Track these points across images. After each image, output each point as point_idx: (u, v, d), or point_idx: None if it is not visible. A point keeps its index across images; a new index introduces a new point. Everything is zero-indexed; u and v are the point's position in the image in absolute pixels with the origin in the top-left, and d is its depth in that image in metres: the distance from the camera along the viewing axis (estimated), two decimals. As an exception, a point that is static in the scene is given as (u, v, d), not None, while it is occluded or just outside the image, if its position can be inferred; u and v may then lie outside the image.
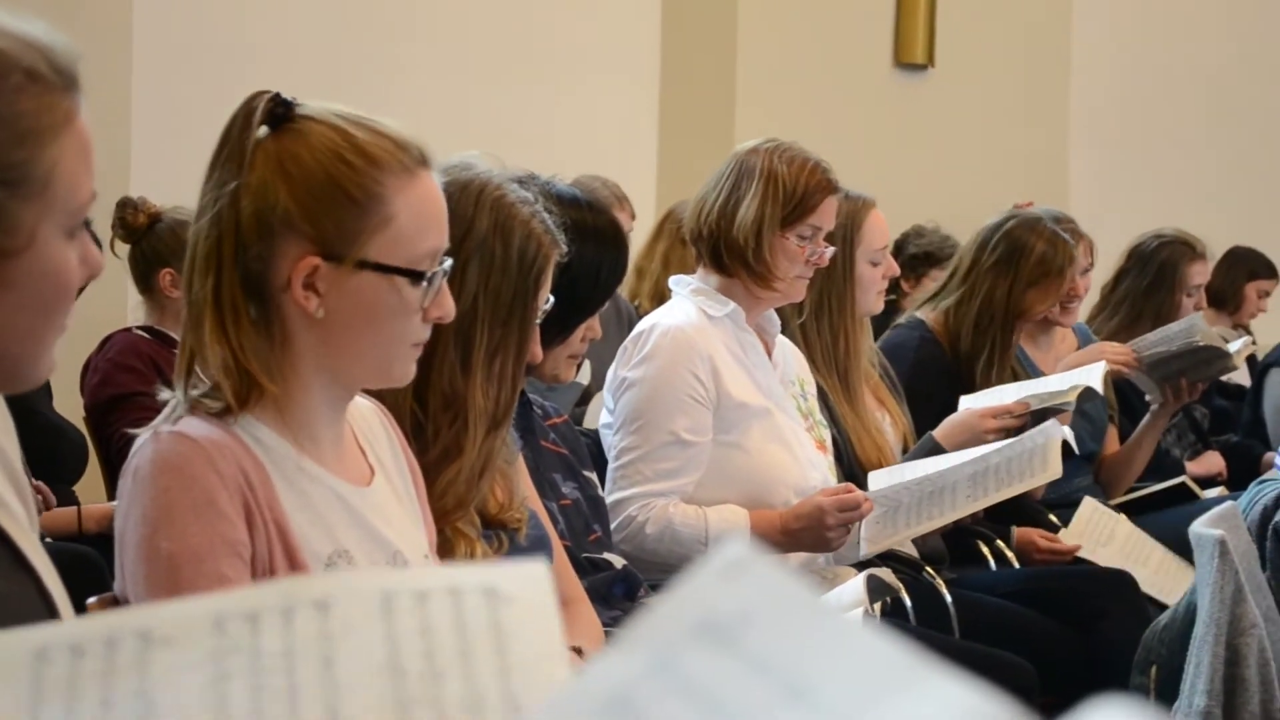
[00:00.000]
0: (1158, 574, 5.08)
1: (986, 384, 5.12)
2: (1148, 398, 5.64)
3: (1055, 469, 4.19)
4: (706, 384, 3.96)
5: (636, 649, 0.76)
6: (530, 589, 1.22)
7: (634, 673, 0.75)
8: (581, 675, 0.77)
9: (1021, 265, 5.19)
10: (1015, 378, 5.27)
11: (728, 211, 4.07)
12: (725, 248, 4.07)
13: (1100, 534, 5.12)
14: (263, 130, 2.29)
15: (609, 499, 3.84)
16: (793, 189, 4.06)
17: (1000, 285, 5.19)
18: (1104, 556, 5.03)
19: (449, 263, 2.36)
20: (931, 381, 5.05)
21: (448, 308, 2.36)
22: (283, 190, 2.26)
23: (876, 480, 4.17)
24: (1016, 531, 5.08)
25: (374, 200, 2.27)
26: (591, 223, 3.35)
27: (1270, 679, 2.80)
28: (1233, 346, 5.60)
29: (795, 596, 0.69)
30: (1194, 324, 5.53)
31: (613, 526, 3.74)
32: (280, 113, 2.30)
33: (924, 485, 4.10)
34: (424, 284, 2.30)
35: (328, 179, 2.27)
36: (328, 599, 1.21)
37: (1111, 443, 5.78)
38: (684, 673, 0.76)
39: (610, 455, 4.02)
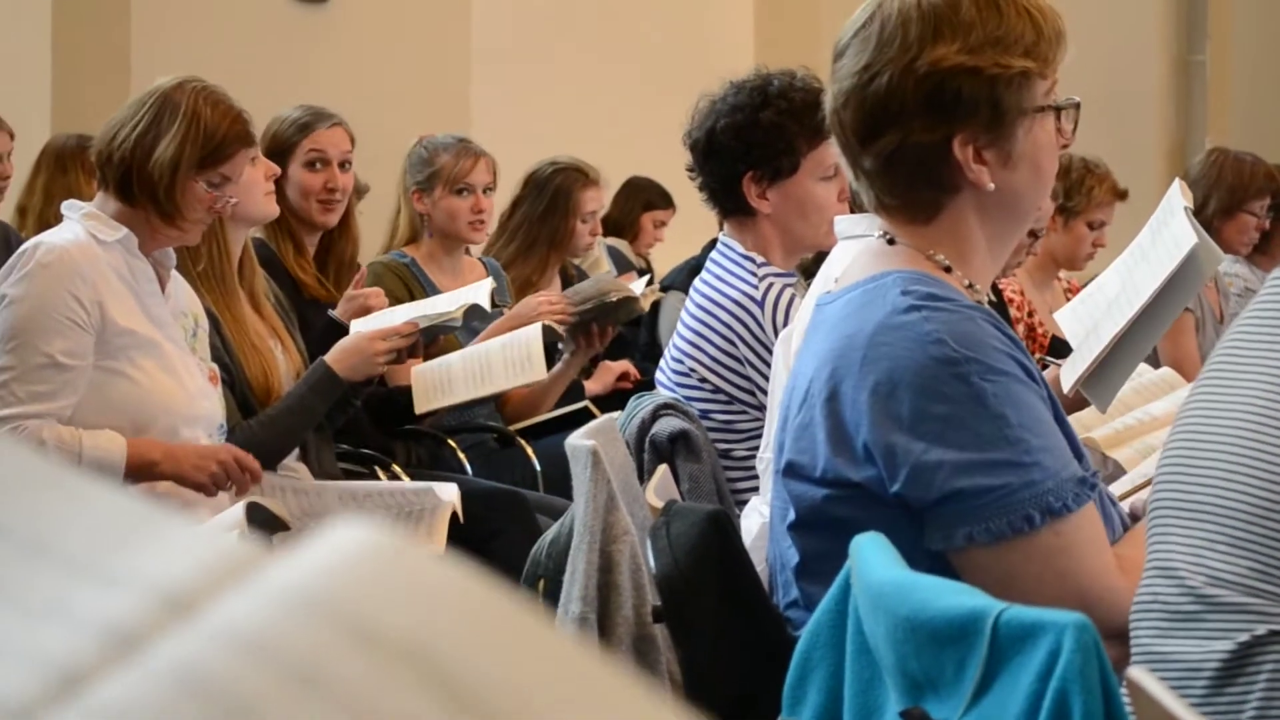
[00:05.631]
0: None
1: (303, 272, 5.29)
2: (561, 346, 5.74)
3: (440, 539, 4.22)
4: (88, 307, 3.87)
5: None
6: None
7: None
8: None
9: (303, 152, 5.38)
10: (342, 272, 5.45)
11: (145, 144, 3.98)
12: (136, 180, 3.97)
13: None
14: None
15: None
16: (213, 134, 4.00)
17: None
18: None
19: None
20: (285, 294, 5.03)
21: None
22: None
23: None
24: None
25: None
26: None
27: (642, 584, 2.90)
28: (637, 289, 5.74)
29: (38, 465, 0.71)
30: (600, 281, 5.69)
31: None
32: None
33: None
34: None
35: None
36: None
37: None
38: None
39: None
